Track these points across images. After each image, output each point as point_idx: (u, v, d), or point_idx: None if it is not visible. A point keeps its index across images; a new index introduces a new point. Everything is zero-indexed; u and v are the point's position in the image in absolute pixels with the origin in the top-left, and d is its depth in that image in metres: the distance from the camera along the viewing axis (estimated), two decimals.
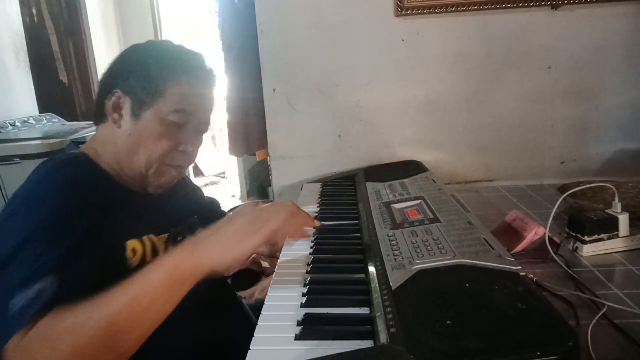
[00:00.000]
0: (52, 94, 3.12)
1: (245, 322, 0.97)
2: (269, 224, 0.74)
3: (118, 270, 0.73)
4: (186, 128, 0.88)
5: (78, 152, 0.88)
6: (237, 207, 3.40)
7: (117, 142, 0.86)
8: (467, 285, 0.66)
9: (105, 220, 0.76)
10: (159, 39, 3.59)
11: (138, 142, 0.85)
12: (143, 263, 0.80)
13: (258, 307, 0.73)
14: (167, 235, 0.90)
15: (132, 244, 0.81)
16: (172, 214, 0.95)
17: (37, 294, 0.61)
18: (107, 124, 0.87)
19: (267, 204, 0.83)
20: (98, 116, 0.89)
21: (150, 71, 0.85)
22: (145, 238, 0.84)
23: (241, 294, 1.39)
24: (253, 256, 1.22)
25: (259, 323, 0.68)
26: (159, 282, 0.64)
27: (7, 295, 0.62)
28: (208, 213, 1.10)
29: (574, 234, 0.98)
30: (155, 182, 0.88)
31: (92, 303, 0.61)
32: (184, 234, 0.94)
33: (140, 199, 0.89)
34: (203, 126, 0.92)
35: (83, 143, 0.92)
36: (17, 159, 2.10)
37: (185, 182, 1.10)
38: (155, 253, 0.85)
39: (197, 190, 1.16)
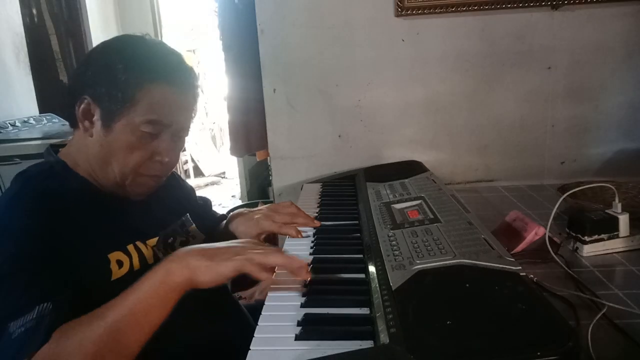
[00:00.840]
0: (52, 94, 3.12)
1: (243, 324, 0.97)
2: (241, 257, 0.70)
3: (103, 285, 0.73)
4: (161, 137, 0.81)
5: (55, 159, 0.83)
6: (235, 208, 3.40)
7: (89, 149, 0.81)
8: (467, 285, 0.66)
9: (84, 236, 0.74)
10: (159, 39, 3.59)
11: (109, 152, 0.79)
12: (131, 273, 0.78)
13: (258, 307, 0.73)
14: (156, 239, 0.87)
15: (116, 256, 0.77)
16: (160, 215, 0.92)
17: (37, 319, 0.62)
18: (79, 130, 0.82)
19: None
20: (70, 120, 0.83)
21: (117, 77, 0.77)
22: (130, 247, 0.80)
23: (241, 294, 1.39)
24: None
25: (259, 323, 0.68)
26: (151, 289, 0.66)
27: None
28: (200, 211, 1.07)
29: (574, 234, 0.98)
30: (133, 192, 0.84)
31: (93, 316, 0.63)
32: (174, 235, 0.91)
33: (123, 204, 0.84)
34: (181, 133, 0.86)
35: (63, 146, 0.87)
36: (17, 159, 2.09)
37: (175, 180, 1.06)
38: (143, 261, 0.81)
39: (187, 188, 1.12)
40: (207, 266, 0.67)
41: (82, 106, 0.79)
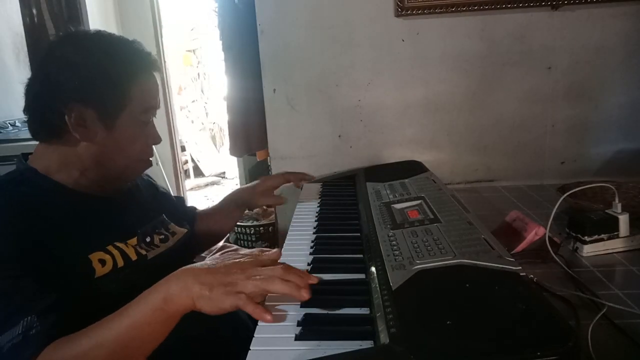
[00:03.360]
0: None
1: (236, 322, 0.96)
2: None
3: (88, 284, 0.73)
4: (150, 122, 0.87)
5: (24, 167, 0.81)
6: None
7: (83, 154, 0.80)
8: (467, 285, 0.66)
9: (62, 238, 0.73)
10: (160, 39, 3.58)
11: (114, 149, 0.82)
12: (115, 271, 0.78)
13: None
14: (135, 238, 0.86)
15: (97, 256, 0.77)
16: (138, 214, 0.92)
17: (23, 333, 0.62)
18: (63, 140, 0.79)
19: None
20: (42, 132, 0.81)
21: (110, 76, 0.78)
22: (110, 247, 0.80)
23: None
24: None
25: (259, 323, 0.68)
26: (148, 317, 0.64)
27: None
28: (175, 210, 1.08)
29: (574, 234, 0.98)
30: (127, 179, 0.90)
31: (89, 333, 0.63)
32: (152, 234, 0.91)
33: (101, 205, 0.85)
34: (155, 114, 0.90)
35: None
36: (16, 160, 2.09)
37: (149, 183, 1.07)
38: (126, 259, 0.81)
39: (161, 188, 1.12)
40: (209, 298, 0.63)
41: (74, 114, 0.76)
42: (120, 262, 0.80)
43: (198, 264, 0.69)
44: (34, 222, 0.72)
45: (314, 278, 0.73)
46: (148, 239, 0.89)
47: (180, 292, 0.64)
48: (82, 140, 0.79)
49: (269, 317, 0.64)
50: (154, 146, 0.90)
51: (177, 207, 1.11)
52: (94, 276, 0.75)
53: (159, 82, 0.89)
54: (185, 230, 1.01)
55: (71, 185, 0.81)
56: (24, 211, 0.73)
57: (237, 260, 0.70)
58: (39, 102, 0.79)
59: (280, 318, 0.69)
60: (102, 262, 0.77)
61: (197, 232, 1.12)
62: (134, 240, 0.86)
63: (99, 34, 0.83)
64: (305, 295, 0.66)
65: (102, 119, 0.79)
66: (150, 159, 0.90)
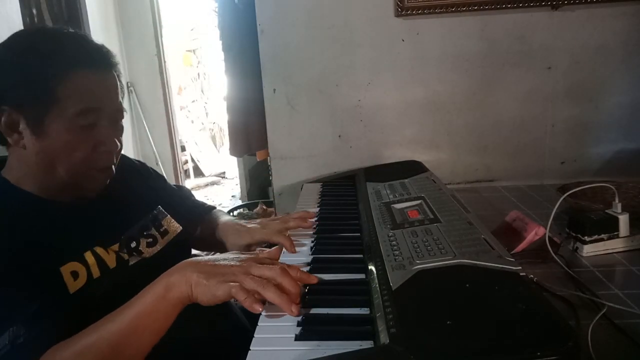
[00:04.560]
0: None
1: (236, 324, 0.96)
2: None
3: (63, 300, 0.70)
4: (98, 126, 0.76)
5: None
6: (235, 209, 3.39)
7: (28, 162, 0.75)
8: (467, 285, 0.66)
9: (32, 252, 0.70)
10: (160, 39, 3.58)
11: (50, 157, 0.73)
12: (90, 283, 0.74)
13: None
14: (117, 245, 0.81)
15: (70, 267, 0.72)
16: (124, 216, 0.87)
17: (11, 344, 0.61)
18: (12, 148, 0.75)
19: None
20: None
21: (33, 76, 0.71)
22: (87, 255, 0.76)
23: None
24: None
25: (259, 323, 0.68)
26: (151, 306, 0.65)
27: None
28: (175, 201, 1.02)
29: (574, 234, 0.98)
30: (87, 189, 0.79)
31: (91, 330, 0.64)
32: (138, 237, 0.86)
33: (76, 211, 0.79)
34: (117, 115, 0.80)
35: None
36: None
37: (140, 173, 1.01)
38: (103, 268, 0.76)
39: (156, 177, 1.06)
40: (206, 285, 0.65)
41: (3, 119, 0.71)
42: (96, 273, 0.75)
43: (199, 258, 0.70)
44: (8, 236, 0.69)
45: (314, 278, 0.75)
46: (133, 244, 0.84)
47: (179, 280, 0.66)
48: (15, 145, 0.73)
49: (258, 307, 0.65)
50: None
51: (177, 200, 1.06)
52: (68, 293, 0.71)
53: (116, 81, 0.80)
54: (179, 230, 0.96)
55: (43, 195, 0.77)
56: None
57: (237, 256, 0.72)
58: None
59: (280, 318, 0.69)
60: (75, 274, 0.73)
61: (199, 234, 1.09)
62: (116, 246, 0.81)
63: (39, 31, 0.79)
64: (295, 311, 0.66)
65: (29, 123, 0.72)
66: (108, 167, 0.80)
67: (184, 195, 1.13)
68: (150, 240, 0.88)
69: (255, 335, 0.65)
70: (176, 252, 0.91)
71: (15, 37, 0.76)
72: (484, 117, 1.52)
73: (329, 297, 0.74)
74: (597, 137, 1.52)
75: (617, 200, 0.97)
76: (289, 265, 0.72)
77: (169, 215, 0.95)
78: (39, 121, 0.72)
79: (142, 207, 0.92)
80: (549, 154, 1.54)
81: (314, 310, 0.70)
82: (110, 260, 0.79)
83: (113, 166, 0.82)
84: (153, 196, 0.97)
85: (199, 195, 4.55)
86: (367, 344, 0.61)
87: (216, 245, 1.06)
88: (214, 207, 1.16)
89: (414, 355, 0.52)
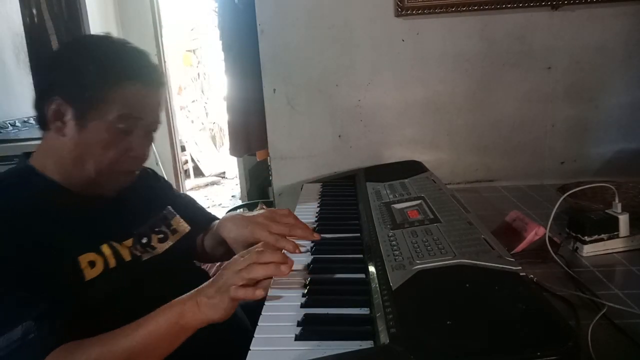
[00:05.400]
0: None
1: (237, 324, 0.96)
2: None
3: (78, 287, 0.73)
4: (135, 132, 0.83)
5: (23, 165, 0.83)
6: (235, 209, 3.39)
7: (62, 150, 0.81)
8: (467, 285, 0.66)
9: (52, 239, 0.74)
10: (160, 39, 3.58)
11: (85, 151, 0.80)
12: (107, 272, 0.77)
13: (256, 307, 0.73)
14: (131, 240, 0.85)
15: (87, 257, 0.76)
16: (137, 213, 0.91)
17: (22, 339, 0.63)
18: (50, 132, 0.82)
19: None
20: (41, 122, 0.83)
21: (89, 77, 0.78)
22: (103, 247, 0.79)
23: None
24: None
25: (259, 323, 0.68)
26: (164, 329, 0.68)
27: None
28: (183, 204, 1.06)
29: (574, 234, 0.98)
30: (107, 188, 0.85)
31: (102, 340, 0.66)
32: (149, 234, 0.90)
33: (94, 204, 0.84)
34: (153, 126, 0.87)
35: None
36: (17, 159, 2.09)
37: (151, 176, 1.05)
38: (119, 259, 0.80)
39: (164, 182, 1.11)
40: (214, 305, 0.69)
41: (53, 107, 0.79)
42: (112, 263, 0.79)
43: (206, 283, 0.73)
44: (29, 224, 0.73)
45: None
46: (144, 240, 0.88)
47: (192, 307, 0.69)
48: (56, 132, 0.80)
49: (259, 292, 0.69)
50: (154, 148, 0.88)
51: (184, 203, 1.08)
52: (84, 279, 0.74)
53: (159, 98, 0.87)
54: (188, 229, 0.99)
55: (65, 184, 0.81)
56: (18, 213, 0.73)
57: (225, 264, 0.76)
58: (38, 95, 0.82)
59: (281, 318, 0.69)
60: (92, 263, 0.76)
61: (203, 242, 1.08)
62: (129, 242, 0.85)
63: (104, 38, 0.85)
64: (285, 270, 0.72)
65: (75, 115, 0.79)
66: (132, 171, 0.87)
67: (191, 201, 1.15)
68: (161, 236, 0.92)
69: (255, 335, 0.65)
70: (185, 251, 0.96)
71: (82, 40, 0.86)
72: (484, 117, 1.52)
73: (329, 297, 0.74)
74: (597, 137, 1.52)
75: (617, 200, 0.97)
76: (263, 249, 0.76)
77: (177, 216, 0.99)
78: (84, 116, 0.79)
79: (153, 207, 0.97)
80: (549, 154, 1.54)
81: (314, 310, 0.70)
82: (125, 254, 0.82)
83: (136, 172, 0.88)
84: (163, 198, 1.02)
85: (199, 195, 4.55)
86: (367, 344, 0.61)
87: (217, 249, 1.05)
88: (218, 218, 1.16)
89: (414, 355, 0.52)
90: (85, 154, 0.80)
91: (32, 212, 0.75)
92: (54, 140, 0.81)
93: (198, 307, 0.69)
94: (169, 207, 0.99)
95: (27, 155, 0.86)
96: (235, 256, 0.76)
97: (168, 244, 0.92)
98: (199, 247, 1.06)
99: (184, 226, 0.98)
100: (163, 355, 0.69)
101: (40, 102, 0.81)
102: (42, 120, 0.82)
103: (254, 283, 0.70)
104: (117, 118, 0.80)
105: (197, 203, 1.16)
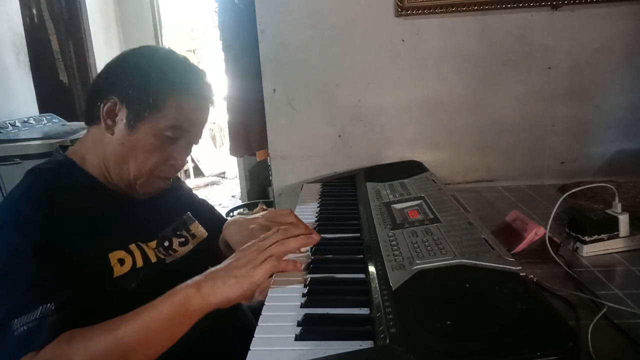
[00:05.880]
0: (52, 94, 3.12)
1: (242, 322, 0.97)
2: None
3: (105, 282, 0.76)
4: (179, 142, 0.87)
5: (63, 157, 0.86)
6: (235, 209, 3.39)
7: (107, 147, 0.85)
8: (467, 285, 0.66)
9: (88, 233, 0.76)
10: (160, 39, 3.59)
11: (129, 151, 0.84)
12: (134, 270, 0.80)
13: (259, 308, 0.73)
14: (155, 241, 0.89)
15: (117, 255, 0.80)
16: (160, 216, 0.94)
17: (39, 319, 0.64)
18: (98, 127, 0.86)
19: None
20: (89, 117, 0.87)
21: (150, 84, 0.83)
22: (132, 247, 0.83)
23: None
24: None
25: (259, 323, 0.68)
26: (167, 315, 0.67)
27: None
28: (201, 210, 1.09)
29: (574, 234, 0.98)
30: (142, 191, 0.88)
31: (104, 326, 0.65)
32: (172, 236, 0.93)
33: (126, 205, 0.88)
34: (195, 140, 0.92)
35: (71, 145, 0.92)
36: (17, 159, 2.10)
37: (175, 181, 1.08)
38: (146, 259, 0.84)
39: (186, 187, 1.15)
40: (236, 283, 0.70)
41: (108, 104, 0.83)
42: (140, 262, 0.82)
43: (212, 269, 0.74)
44: (64, 215, 0.75)
45: (316, 237, 0.83)
46: (167, 243, 0.91)
47: (195, 295, 0.69)
48: (106, 129, 0.83)
49: (299, 264, 0.79)
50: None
51: (203, 209, 1.11)
52: (112, 275, 0.77)
53: (207, 116, 0.91)
54: (206, 235, 1.01)
55: (103, 181, 0.85)
56: (57, 202, 0.76)
57: (238, 252, 0.76)
58: (94, 88, 0.87)
59: (281, 318, 0.69)
60: (121, 261, 0.80)
61: (220, 242, 1.09)
62: (154, 243, 0.88)
63: (169, 51, 0.91)
64: (316, 237, 0.80)
65: (129, 116, 0.83)
66: (168, 178, 0.91)
67: (209, 207, 1.16)
68: (182, 240, 0.95)
69: (255, 335, 0.65)
70: (204, 255, 0.98)
71: (148, 48, 0.91)
72: (484, 117, 1.52)
73: (329, 297, 0.74)
74: (597, 137, 1.52)
75: (617, 200, 0.97)
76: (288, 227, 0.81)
77: (196, 221, 1.01)
78: (137, 119, 0.83)
79: (175, 211, 1.00)
80: (549, 154, 1.54)
81: (314, 310, 0.70)
82: (151, 255, 0.85)
83: (171, 180, 0.93)
84: (184, 202, 1.05)
85: (199, 195, 4.55)
86: (367, 344, 0.61)
87: (229, 252, 1.06)
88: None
89: (414, 355, 0.52)
90: (129, 155, 0.84)
91: (71, 204, 0.77)
92: (99, 136, 0.85)
93: (201, 295, 0.68)
94: (189, 212, 1.01)
95: (63, 148, 0.89)
96: (249, 243, 0.78)
97: (188, 247, 0.95)
98: (217, 251, 1.08)
99: (202, 231, 1.01)
100: (170, 340, 0.68)
101: (95, 98, 0.85)
102: (91, 115, 0.86)
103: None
104: (168, 127, 0.84)
105: (215, 210, 1.18)
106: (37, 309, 0.64)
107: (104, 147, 0.85)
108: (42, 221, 0.73)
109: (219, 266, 0.74)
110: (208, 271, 0.73)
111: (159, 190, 0.91)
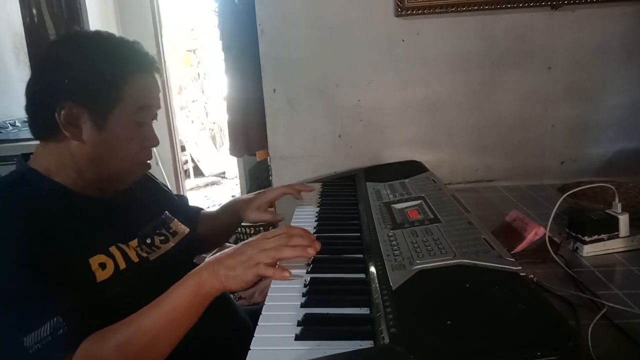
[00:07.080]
0: None
1: (239, 324, 0.96)
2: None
3: (90, 289, 0.73)
4: (146, 123, 0.85)
5: (25, 168, 0.80)
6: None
7: (77, 154, 0.78)
8: (467, 285, 0.66)
9: (63, 241, 0.73)
10: (160, 39, 3.58)
11: (106, 151, 0.79)
12: (117, 273, 0.77)
13: (254, 310, 0.74)
14: (135, 240, 0.86)
15: (98, 259, 0.76)
16: (139, 216, 0.92)
17: (52, 334, 0.63)
18: (56, 139, 0.78)
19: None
20: (40, 131, 0.80)
21: (103, 75, 0.77)
22: (112, 249, 0.79)
23: (240, 294, 1.39)
24: None
25: (259, 323, 0.68)
26: (186, 300, 0.70)
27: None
28: (180, 207, 1.07)
29: (574, 234, 0.98)
30: (124, 181, 0.86)
31: (127, 323, 0.68)
32: (152, 235, 0.91)
33: (101, 208, 0.84)
34: (155, 116, 0.88)
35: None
36: (16, 160, 2.09)
37: (150, 181, 1.06)
38: (128, 261, 0.80)
39: (162, 186, 1.11)
40: (233, 276, 0.72)
41: (64, 112, 0.75)
42: (122, 264, 0.79)
43: (218, 254, 0.76)
44: (40, 226, 0.71)
45: (318, 243, 0.81)
46: (148, 240, 0.89)
47: (209, 278, 0.72)
48: (72, 139, 0.77)
49: (286, 274, 0.76)
50: (154, 148, 0.88)
51: (180, 205, 1.10)
52: (96, 281, 0.75)
53: (159, 83, 0.88)
54: (187, 231, 1.00)
55: (71, 187, 0.80)
56: (29, 215, 0.72)
57: (247, 242, 0.78)
58: (35, 100, 0.79)
59: (281, 318, 0.69)
60: (103, 265, 0.76)
61: (200, 234, 1.11)
62: (134, 242, 0.86)
63: (97, 34, 0.83)
64: (312, 251, 0.77)
65: (93, 117, 0.77)
66: (148, 162, 0.89)
67: (183, 201, 1.16)
68: (162, 238, 0.93)
69: (255, 335, 0.65)
70: (187, 251, 0.98)
71: (76, 39, 0.82)
72: (484, 117, 1.52)
73: (329, 297, 0.74)
74: (597, 137, 1.52)
75: (617, 200, 0.97)
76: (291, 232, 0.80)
77: (176, 219, 1.00)
78: (102, 115, 0.78)
79: (153, 209, 0.97)
80: (549, 154, 1.54)
81: (314, 310, 0.70)
82: (132, 255, 0.83)
83: (149, 161, 0.89)
84: (162, 200, 1.03)
85: (199, 195, 4.56)
86: (367, 344, 0.61)
87: (219, 235, 1.16)
88: (202, 208, 1.21)
89: (414, 355, 0.52)
90: (106, 154, 0.80)
91: (43, 214, 0.73)
92: (61, 148, 0.79)
93: (216, 277, 0.71)
94: (167, 212, 0.99)
95: (25, 156, 0.83)
96: (259, 235, 0.79)
97: (170, 244, 0.94)
98: (201, 237, 1.10)
99: (182, 228, 1.00)
100: (188, 324, 0.71)
101: (39, 112, 0.78)
102: (43, 129, 0.79)
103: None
104: (135, 110, 0.81)
105: (188, 201, 1.18)
106: (45, 324, 0.63)
107: (70, 156, 0.79)
108: (19, 239, 0.69)
109: (224, 252, 0.76)
110: (215, 258, 0.74)
111: (141, 175, 0.90)
